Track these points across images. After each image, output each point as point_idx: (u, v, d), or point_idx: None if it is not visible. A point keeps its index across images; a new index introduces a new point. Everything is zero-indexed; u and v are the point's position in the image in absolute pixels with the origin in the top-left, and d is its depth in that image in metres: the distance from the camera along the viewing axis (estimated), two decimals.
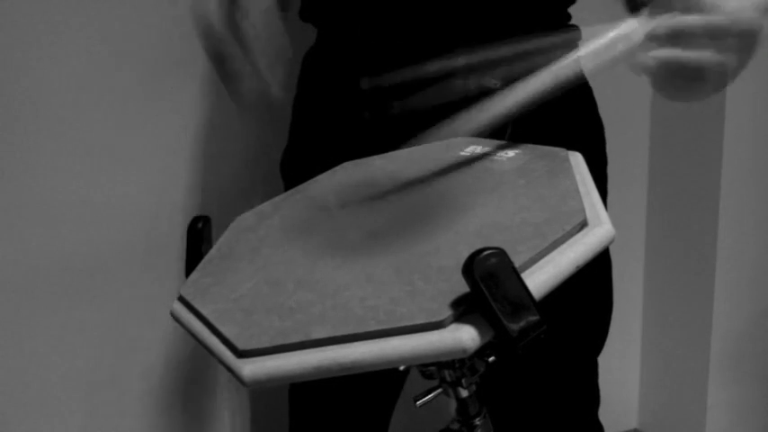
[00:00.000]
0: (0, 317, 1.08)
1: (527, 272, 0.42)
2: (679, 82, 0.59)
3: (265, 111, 0.68)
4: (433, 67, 0.66)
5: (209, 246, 0.59)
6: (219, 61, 0.67)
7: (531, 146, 0.62)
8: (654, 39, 0.58)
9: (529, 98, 0.58)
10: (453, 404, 0.57)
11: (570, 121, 0.82)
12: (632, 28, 0.59)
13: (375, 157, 0.70)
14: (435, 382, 0.57)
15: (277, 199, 0.67)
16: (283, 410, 0.98)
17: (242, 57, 0.65)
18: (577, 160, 0.58)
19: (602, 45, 0.59)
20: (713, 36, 0.55)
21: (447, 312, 0.39)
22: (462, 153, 0.64)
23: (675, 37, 0.57)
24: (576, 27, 0.80)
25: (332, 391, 0.91)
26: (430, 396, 0.57)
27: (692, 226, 1.43)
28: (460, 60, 0.71)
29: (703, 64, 0.56)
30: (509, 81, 0.60)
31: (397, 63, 0.77)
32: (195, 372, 1.22)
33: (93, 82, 1.05)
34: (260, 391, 1.26)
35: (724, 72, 0.57)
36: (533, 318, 0.38)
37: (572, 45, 0.60)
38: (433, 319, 0.39)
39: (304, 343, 0.41)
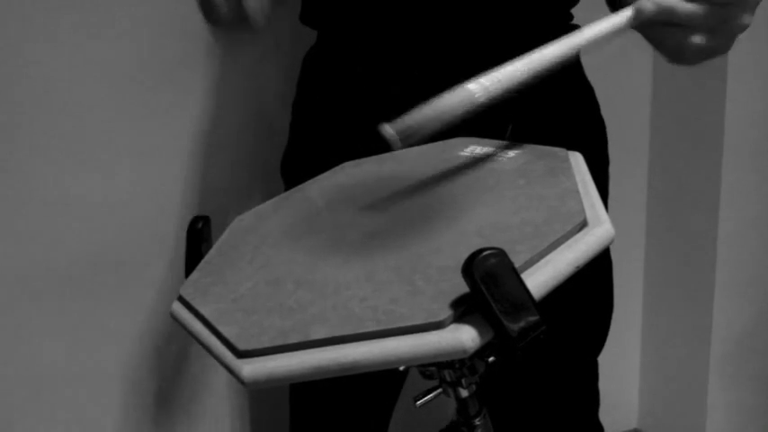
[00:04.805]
0: None
1: (527, 272, 0.42)
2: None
3: (241, 29, 0.66)
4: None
5: (209, 246, 0.59)
6: None
7: (530, 146, 0.62)
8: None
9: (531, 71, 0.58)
10: (453, 404, 0.57)
11: (572, 121, 0.82)
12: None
13: (375, 157, 0.70)
14: (435, 382, 0.57)
15: (277, 199, 0.67)
16: (283, 411, 0.98)
17: None
18: (577, 160, 0.58)
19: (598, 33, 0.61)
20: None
21: (447, 312, 0.39)
22: (462, 153, 0.64)
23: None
24: (577, 27, 0.80)
25: (332, 392, 0.91)
26: (430, 396, 0.57)
27: (691, 226, 1.43)
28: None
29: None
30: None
31: (398, 65, 0.77)
32: (195, 372, 1.22)
33: (92, 81, 1.05)
34: (260, 392, 1.26)
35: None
36: (533, 318, 0.38)
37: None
38: (433, 320, 0.39)
39: (304, 343, 0.41)
